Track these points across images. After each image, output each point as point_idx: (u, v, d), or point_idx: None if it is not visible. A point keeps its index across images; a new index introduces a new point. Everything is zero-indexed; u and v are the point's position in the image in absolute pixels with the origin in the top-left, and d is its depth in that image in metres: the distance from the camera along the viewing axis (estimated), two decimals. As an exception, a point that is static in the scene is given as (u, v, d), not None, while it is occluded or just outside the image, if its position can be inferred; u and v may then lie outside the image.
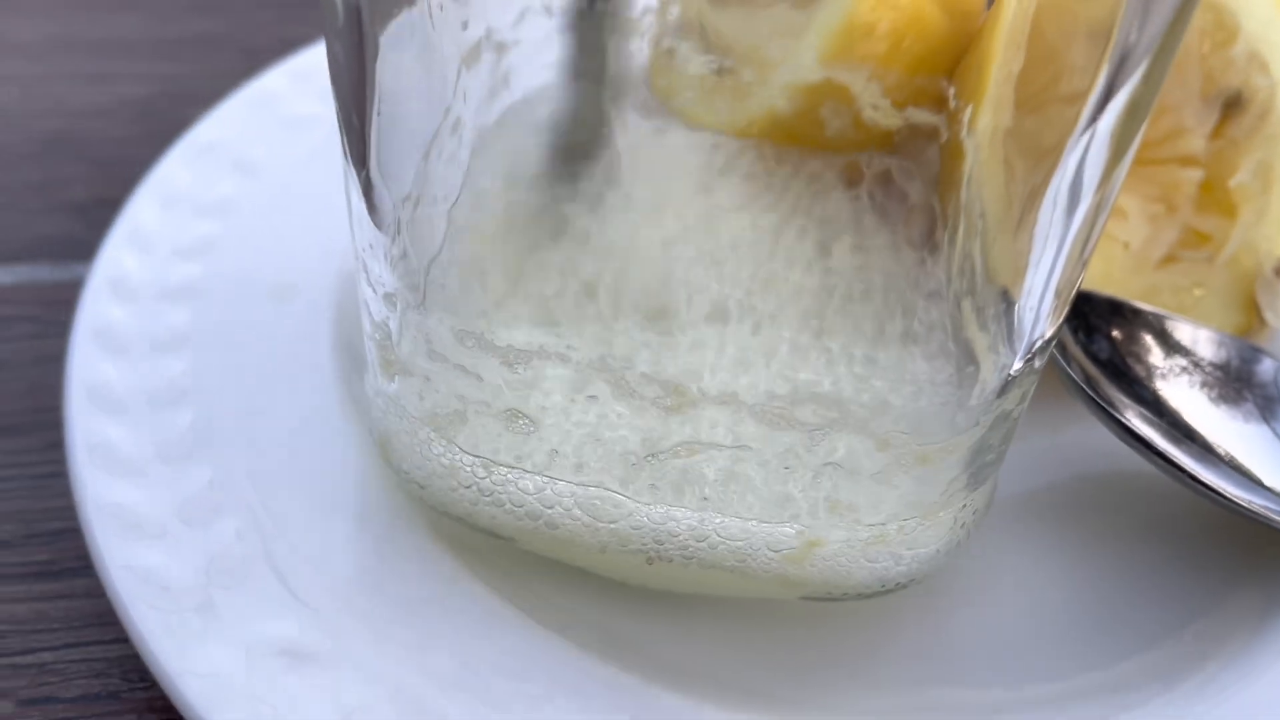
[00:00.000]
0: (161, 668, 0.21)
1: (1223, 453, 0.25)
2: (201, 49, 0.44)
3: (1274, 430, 0.26)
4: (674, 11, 0.22)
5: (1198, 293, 0.30)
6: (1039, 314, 0.21)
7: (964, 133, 0.22)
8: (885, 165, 0.24)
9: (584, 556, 0.23)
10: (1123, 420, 0.25)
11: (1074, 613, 0.25)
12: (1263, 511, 0.24)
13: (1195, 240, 0.30)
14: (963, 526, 0.23)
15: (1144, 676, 0.24)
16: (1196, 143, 0.29)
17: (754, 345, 0.21)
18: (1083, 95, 0.18)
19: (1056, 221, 0.20)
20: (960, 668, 0.24)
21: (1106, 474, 0.28)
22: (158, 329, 0.28)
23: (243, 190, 0.31)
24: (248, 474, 0.25)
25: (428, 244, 0.21)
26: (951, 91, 0.23)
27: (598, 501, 0.22)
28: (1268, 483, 0.25)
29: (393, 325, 0.22)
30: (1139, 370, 0.26)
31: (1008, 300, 0.21)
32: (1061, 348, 0.26)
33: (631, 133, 0.24)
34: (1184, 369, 0.27)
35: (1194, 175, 0.29)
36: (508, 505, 0.22)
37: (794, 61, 0.25)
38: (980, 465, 0.22)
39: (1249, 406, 0.26)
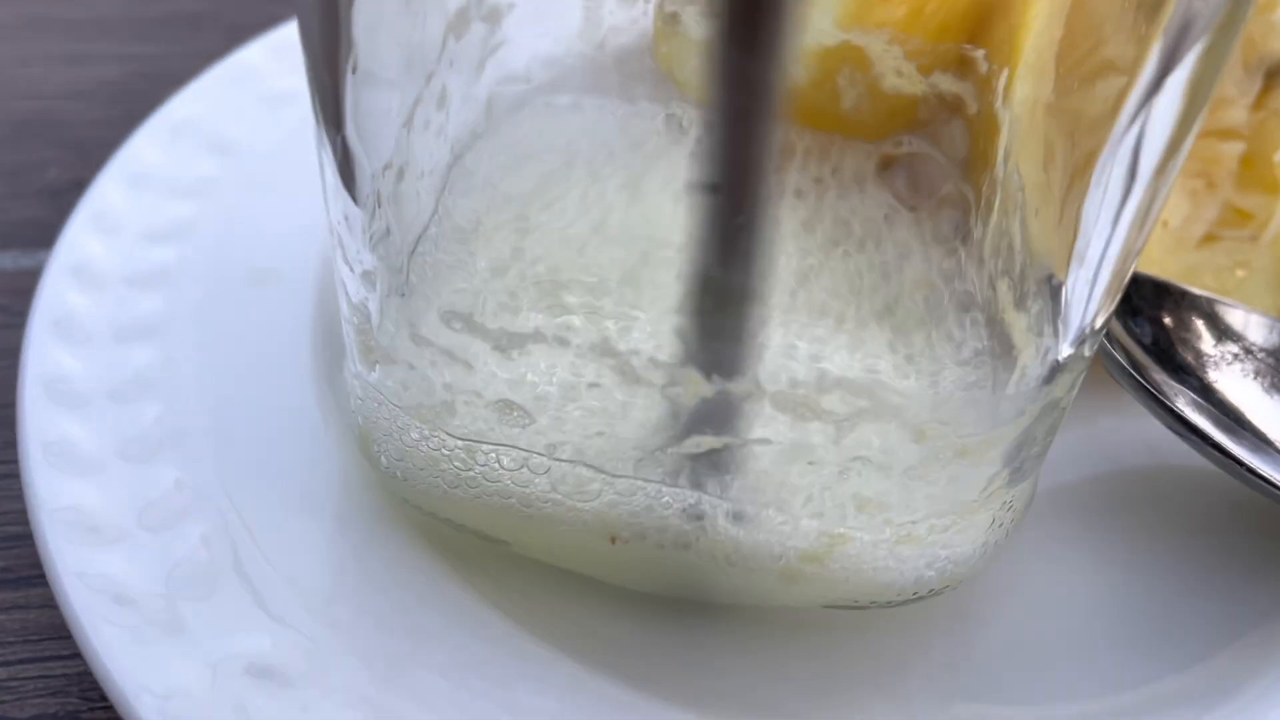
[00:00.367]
0: (116, 686, 0.20)
1: (1277, 444, 0.23)
2: (182, 28, 0.43)
3: (1331, 422, 0.24)
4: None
5: (1240, 274, 0.28)
6: (1091, 298, 0.19)
7: (998, 102, 0.21)
8: (913, 140, 0.22)
9: (581, 559, 0.22)
10: (1173, 408, 0.23)
11: (1116, 621, 0.24)
12: (1324, 508, 0.22)
13: (1237, 218, 0.29)
14: (1000, 527, 0.21)
15: (1195, 690, 0.23)
16: (1237, 114, 0.28)
17: (775, 329, 0.19)
18: (1134, 68, 0.17)
19: (1109, 202, 0.18)
20: (991, 682, 0.23)
21: (1148, 468, 0.27)
22: (123, 317, 0.26)
23: (218, 170, 0.30)
24: (217, 474, 0.23)
25: (413, 218, 0.20)
26: (982, 56, 0.22)
27: (604, 484, 0.20)
28: (1327, 478, 0.23)
29: (372, 307, 0.20)
30: (1187, 356, 0.25)
31: (1052, 281, 0.19)
32: (1106, 331, 0.24)
33: (641, 109, 0.23)
34: (1235, 356, 0.25)
35: (1235, 149, 0.28)
36: (496, 496, 0.21)
37: (809, 25, 0.23)
38: (1023, 459, 0.20)
39: (1304, 396, 0.25)
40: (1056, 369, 0.19)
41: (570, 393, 0.20)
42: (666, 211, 0.21)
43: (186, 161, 0.30)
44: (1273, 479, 0.23)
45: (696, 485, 0.20)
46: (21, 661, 0.23)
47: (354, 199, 0.20)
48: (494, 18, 0.21)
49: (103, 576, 0.21)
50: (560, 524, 0.21)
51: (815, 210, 0.22)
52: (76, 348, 0.25)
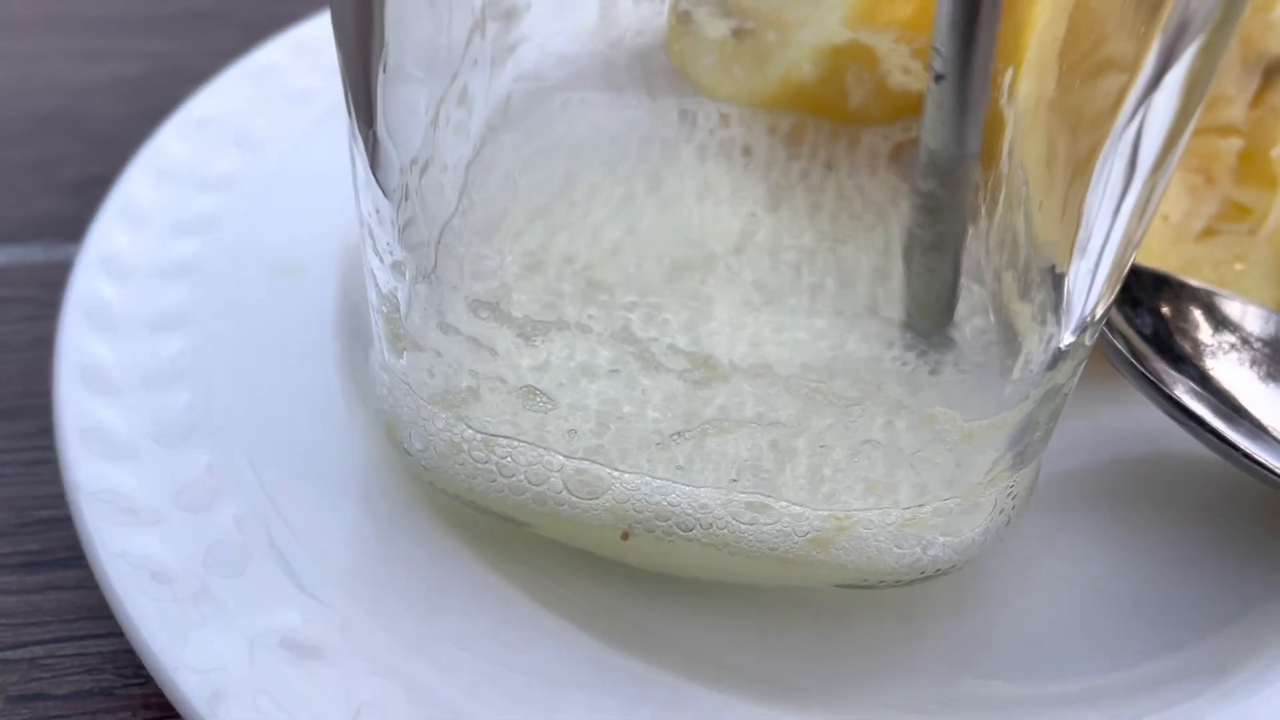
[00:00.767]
0: (157, 661, 0.20)
1: (1275, 431, 0.24)
2: (198, 25, 0.43)
3: (1326, 409, 0.25)
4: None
5: (1238, 267, 0.29)
6: (1091, 288, 0.20)
7: (1003, 100, 0.21)
8: (919, 133, 0.23)
9: (599, 541, 0.22)
10: (1172, 396, 0.23)
11: (1114, 603, 0.24)
12: (1319, 493, 0.23)
13: (1235, 213, 0.29)
14: (1002, 512, 0.22)
15: (1193, 669, 0.23)
16: (1236, 111, 0.29)
17: (788, 318, 0.20)
18: (1134, 64, 0.17)
19: (1110, 195, 0.19)
20: (994, 660, 0.23)
21: (1149, 456, 0.27)
22: (153, 307, 0.27)
23: (243, 164, 0.30)
24: (247, 457, 0.24)
25: (439, 210, 0.20)
26: None
27: (612, 479, 0.21)
28: (1322, 463, 0.24)
29: (401, 296, 0.21)
30: (1186, 346, 0.25)
31: (1054, 273, 0.20)
32: (1107, 321, 0.25)
33: (658, 102, 0.23)
34: (1232, 345, 0.25)
35: (1234, 145, 0.29)
36: (509, 492, 0.21)
37: (817, 23, 0.24)
38: (1026, 444, 0.21)
39: (1300, 385, 0.25)
40: (1059, 356, 0.20)
41: (591, 379, 0.20)
42: (682, 203, 0.22)
43: (211, 156, 0.30)
44: (1269, 465, 0.23)
45: (712, 470, 0.20)
46: (57, 640, 0.24)
47: (384, 192, 0.20)
48: (512, 17, 0.21)
49: (141, 556, 0.22)
50: (572, 520, 0.22)
51: (826, 199, 0.22)
52: (109, 337, 0.26)
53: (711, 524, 0.21)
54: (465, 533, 0.23)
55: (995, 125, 0.22)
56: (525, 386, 0.20)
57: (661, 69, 0.24)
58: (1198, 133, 0.29)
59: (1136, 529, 0.26)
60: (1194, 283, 0.26)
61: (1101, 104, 0.18)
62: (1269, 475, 0.23)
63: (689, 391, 0.20)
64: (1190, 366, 0.25)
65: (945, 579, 0.23)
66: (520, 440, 0.21)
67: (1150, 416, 0.25)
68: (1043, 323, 0.20)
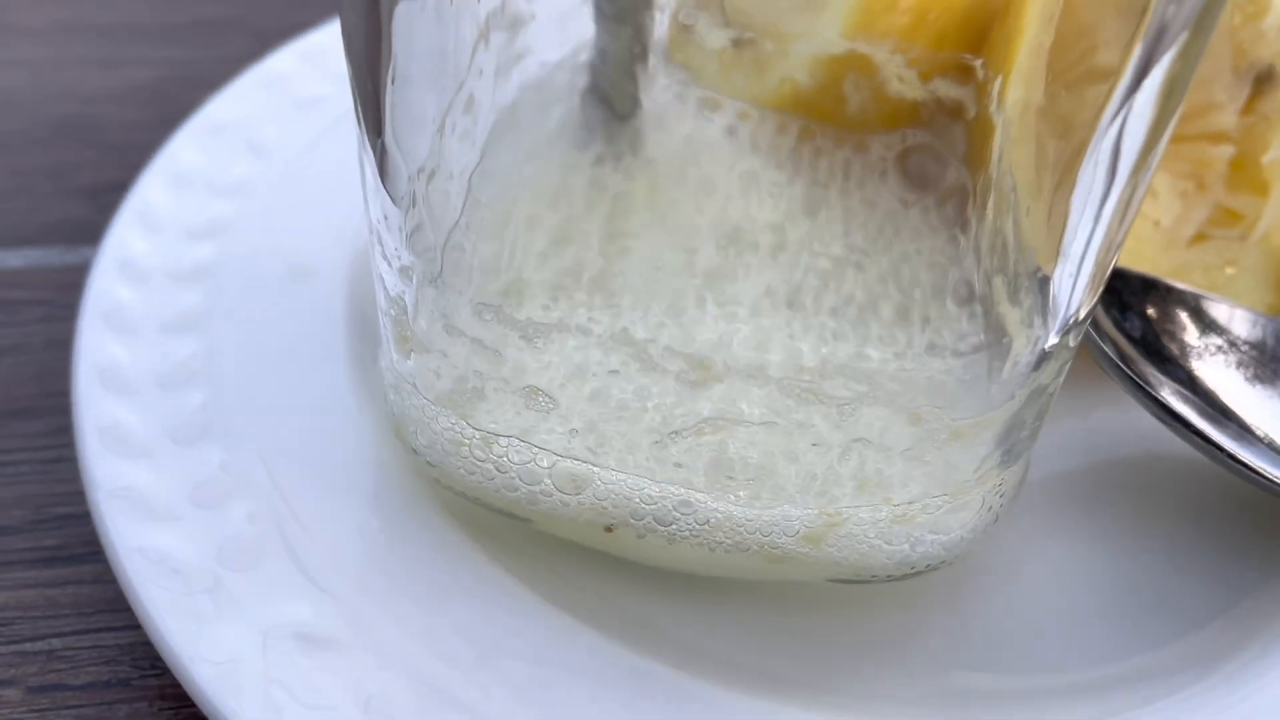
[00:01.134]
0: (173, 653, 0.21)
1: (1260, 433, 0.25)
2: (211, 33, 0.44)
3: (1312, 411, 0.26)
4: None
5: (1229, 271, 0.29)
6: (1074, 291, 0.20)
7: (993, 107, 0.22)
8: (914, 141, 0.23)
9: (597, 537, 0.23)
10: (1159, 398, 0.24)
11: (1107, 598, 0.25)
12: (1303, 492, 0.24)
13: (1227, 218, 0.29)
14: (990, 509, 0.22)
15: (1180, 663, 0.24)
16: (1227, 118, 0.29)
17: (782, 320, 0.20)
18: (1117, 71, 0.18)
19: (1093, 199, 0.19)
20: (988, 654, 0.24)
21: (1139, 456, 0.28)
22: (168, 310, 0.27)
23: (255, 171, 0.31)
24: (260, 456, 0.24)
25: (445, 216, 0.21)
26: (979, 64, 0.23)
27: (609, 478, 0.21)
28: (1306, 463, 0.24)
29: (409, 300, 0.21)
30: (1173, 349, 0.26)
31: (1041, 276, 0.20)
32: (1095, 325, 0.25)
33: (657, 107, 0.24)
34: (1219, 348, 0.26)
35: (1225, 152, 0.29)
36: (518, 483, 0.22)
37: (815, 34, 0.24)
38: (1014, 442, 0.21)
39: (1286, 386, 0.26)
40: (1044, 357, 0.20)
41: (591, 379, 0.21)
42: (679, 209, 0.23)
43: (224, 162, 0.31)
44: (1254, 466, 0.24)
45: (708, 468, 0.21)
46: (75, 633, 0.24)
47: (392, 199, 0.21)
48: (517, 26, 0.22)
49: (158, 551, 0.22)
50: (564, 516, 0.22)
51: (821, 206, 0.23)
52: (125, 339, 0.26)
53: (706, 520, 0.21)
54: (470, 529, 0.24)
55: (985, 132, 0.22)
56: (528, 387, 0.21)
57: (669, 75, 0.24)
58: (1189, 139, 0.29)
59: (1127, 527, 0.26)
60: (1182, 286, 0.27)
61: (1087, 110, 0.19)
62: (1254, 476, 0.24)
63: (686, 392, 0.20)
64: (1178, 369, 0.25)
65: (940, 575, 0.24)
66: (517, 439, 0.21)
67: (1141, 418, 0.25)
68: (1030, 325, 0.20)
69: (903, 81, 0.24)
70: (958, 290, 0.21)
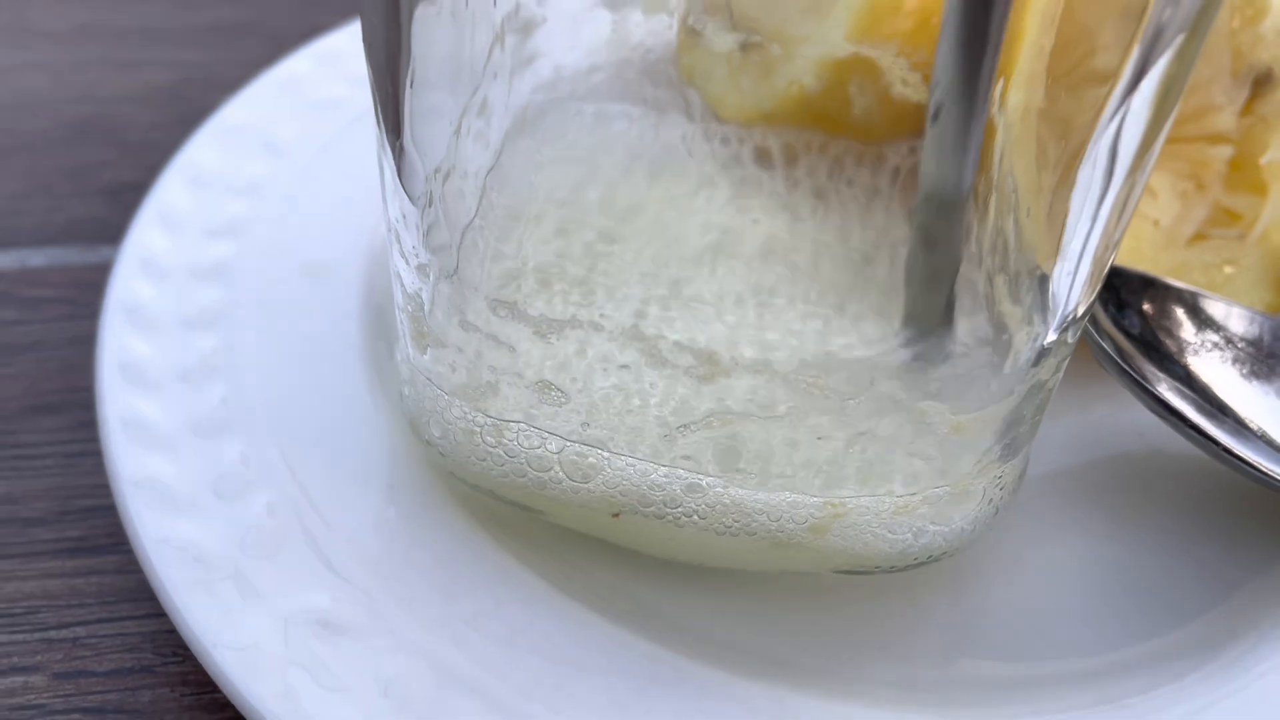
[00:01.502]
0: (197, 639, 0.21)
1: (1256, 428, 0.25)
2: (228, 36, 0.44)
3: (1307, 406, 0.26)
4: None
5: (1228, 270, 0.30)
6: (1073, 288, 0.21)
7: (995, 109, 0.22)
8: (915, 144, 0.24)
9: (606, 525, 0.23)
10: (1156, 394, 0.24)
11: (1106, 589, 0.25)
12: (1297, 485, 0.24)
13: (1225, 218, 0.30)
14: (990, 502, 0.23)
15: (1176, 652, 0.24)
16: (1226, 120, 0.29)
17: (787, 316, 0.21)
18: (1115, 73, 0.18)
19: (1090, 198, 0.20)
20: (990, 642, 0.24)
21: (1138, 452, 0.28)
22: (188, 307, 0.28)
23: (272, 171, 0.31)
24: (279, 448, 0.25)
25: (460, 214, 0.21)
26: None
27: (620, 469, 0.22)
28: (1301, 458, 0.25)
29: (425, 296, 0.22)
30: (1171, 345, 0.26)
31: (1041, 275, 0.21)
32: (1094, 322, 0.26)
33: (667, 112, 0.24)
34: (1216, 345, 0.26)
35: (1224, 153, 0.29)
36: (527, 470, 0.22)
37: (821, 38, 0.25)
38: (1014, 436, 0.22)
39: (1282, 383, 0.26)
40: (1042, 353, 0.21)
41: (602, 374, 0.22)
42: (688, 207, 0.23)
43: (242, 163, 0.32)
44: (1250, 460, 0.24)
45: (715, 460, 0.21)
46: (99, 621, 0.25)
47: (410, 198, 0.21)
48: (529, 30, 0.22)
49: (181, 541, 0.23)
50: (569, 503, 0.23)
51: (826, 204, 0.23)
52: (147, 334, 0.27)
53: (714, 503, 0.22)
54: (484, 520, 0.24)
55: (987, 134, 0.23)
56: (541, 381, 0.21)
57: (671, 81, 0.25)
58: (1189, 140, 0.30)
59: (1127, 519, 0.26)
60: (1179, 284, 0.27)
61: (1086, 112, 0.19)
62: (1250, 470, 0.24)
63: (694, 386, 0.21)
64: (1175, 365, 0.26)
65: (943, 565, 0.24)
66: (524, 424, 0.22)
67: (1140, 414, 0.26)
68: (1029, 322, 0.21)
69: (907, 85, 0.24)
70: (960, 288, 0.22)
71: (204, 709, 0.24)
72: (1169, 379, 0.25)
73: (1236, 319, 0.27)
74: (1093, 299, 0.21)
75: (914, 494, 0.21)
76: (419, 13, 0.20)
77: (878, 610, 0.24)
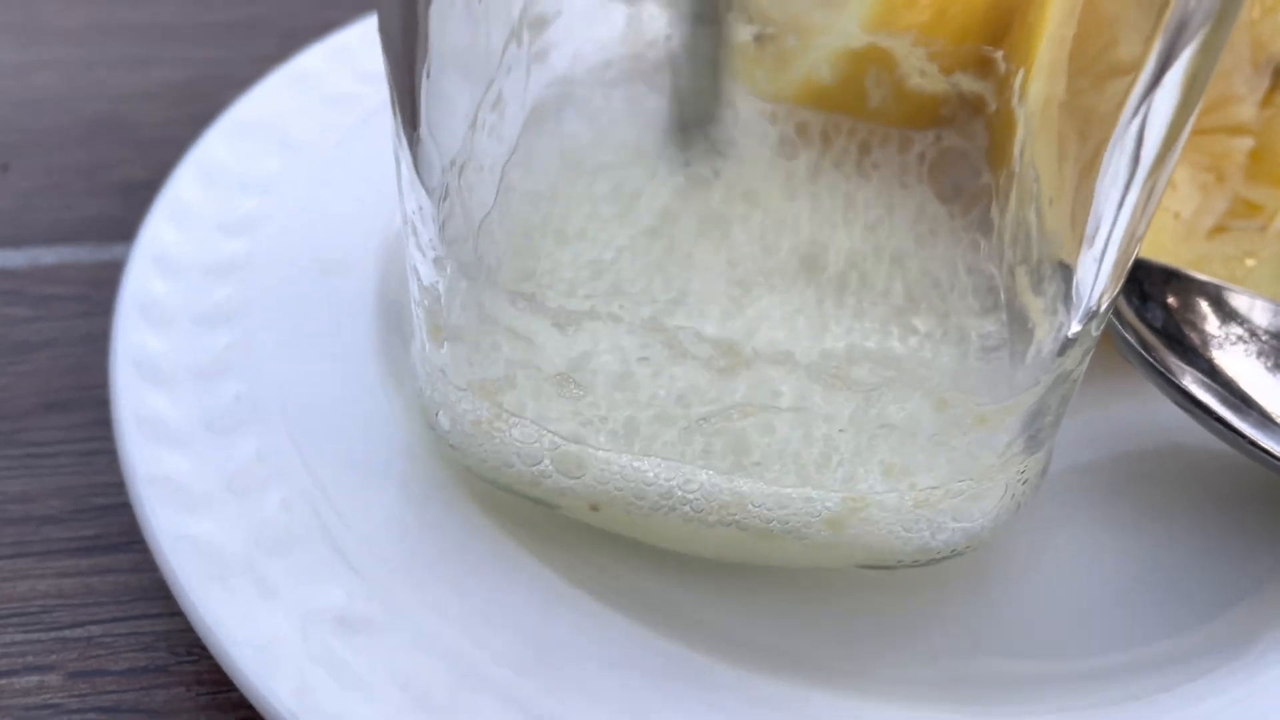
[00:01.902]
0: (214, 637, 0.21)
1: (1281, 421, 0.25)
2: (241, 33, 0.44)
3: (1332, 400, 0.26)
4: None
5: (1249, 263, 0.29)
6: (1097, 280, 0.20)
7: (1015, 100, 0.22)
8: (938, 134, 0.24)
9: (627, 524, 0.23)
10: (1181, 386, 0.24)
11: (1128, 585, 0.25)
12: (1324, 480, 0.24)
13: (1246, 210, 0.29)
14: (1013, 497, 0.23)
15: (1201, 648, 0.24)
16: (1246, 111, 0.29)
17: (809, 306, 0.21)
18: (1139, 64, 0.18)
19: (1115, 190, 0.19)
20: (1011, 638, 0.24)
21: (1160, 446, 0.28)
22: (203, 303, 0.28)
23: (285, 167, 0.31)
24: (294, 445, 0.25)
25: (477, 207, 0.21)
26: (1000, 57, 0.23)
27: (642, 471, 0.21)
28: (1328, 452, 0.25)
29: (442, 290, 0.22)
30: (1194, 338, 0.26)
31: (1064, 267, 0.21)
32: (1118, 314, 0.26)
33: (685, 100, 0.24)
34: (1240, 337, 0.26)
35: (1244, 144, 0.29)
36: (503, 466, 0.22)
37: (837, 28, 0.25)
38: (1038, 428, 0.21)
39: (1307, 376, 0.26)
40: (1067, 344, 0.21)
41: (620, 366, 0.21)
42: (707, 197, 0.23)
43: (255, 159, 0.31)
44: (1275, 453, 0.24)
45: (736, 453, 0.21)
46: (114, 620, 0.25)
47: (427, 191, 0.21)
48: (545, 24, 0.22)
49: (196, 538, 0.23)
50: (587, 499, 0.22)
51: (848, 195, 0.23)
52: (161, 331, 0.27)
53: (723, 503, 0.22)
54: (500, 515, 0.24)
55: (1007, 125, 0.23)
56: (559, 374, 0.21)
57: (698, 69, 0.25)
58: (1209, 132, 0.30)
59: (1148, 515, 0.26)
60: (1202, 277, 0.27)
61: (1109, 103, 0.19)
62: (1276, 463, 0.24)
63: (714, 378, 0.21)
64: (1199, 358, 0.26)
65: (963, 562, 0.24)
66: (530, 421, 0.22)
67: (1162, 409, 0.26)
68: (1053, 312, 0.21)
69: (924, 75, 0.24)
70: (982, 279, 0.22)
71: (219, 708, 0.23)
72: (1193, 372, 0.25)
73: (1260, 312, 0.27)
74: (1117, 291, 0.21)
75: (935, 488, 0.21)
76: (436, 4, 0.20)
77: (899, 606, 0.24)
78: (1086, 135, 0.20)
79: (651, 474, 0.21)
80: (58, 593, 0.25)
